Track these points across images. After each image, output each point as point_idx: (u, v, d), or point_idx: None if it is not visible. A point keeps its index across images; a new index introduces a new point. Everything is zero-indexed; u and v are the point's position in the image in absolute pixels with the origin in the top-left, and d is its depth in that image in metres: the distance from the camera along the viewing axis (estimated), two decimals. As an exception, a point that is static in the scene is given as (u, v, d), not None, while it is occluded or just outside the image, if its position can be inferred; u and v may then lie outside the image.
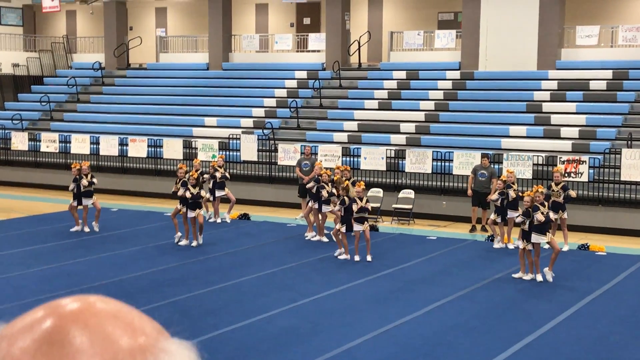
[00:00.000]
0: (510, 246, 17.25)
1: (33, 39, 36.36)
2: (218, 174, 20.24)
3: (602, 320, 12.25)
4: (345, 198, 16.16)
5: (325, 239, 18.13)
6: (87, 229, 19.02)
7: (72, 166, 19.41)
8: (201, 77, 30.17)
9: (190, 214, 17.33)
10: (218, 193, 20.32)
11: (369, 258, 16.15)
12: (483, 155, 19.91)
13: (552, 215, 15.13)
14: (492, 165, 19.85)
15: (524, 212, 14.57)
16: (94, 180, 19.13)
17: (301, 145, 22.62)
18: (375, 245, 16.75)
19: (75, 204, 18.96)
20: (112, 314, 1.13)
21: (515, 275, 14.75)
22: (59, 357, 1.08)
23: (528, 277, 14.64)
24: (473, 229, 19.42)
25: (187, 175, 17.61)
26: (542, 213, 14.37)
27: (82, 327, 1.09)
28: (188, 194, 17.24)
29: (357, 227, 16.14)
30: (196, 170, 18.64)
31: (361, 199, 16.22)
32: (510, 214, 17.21)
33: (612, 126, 21.93)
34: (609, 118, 22.23)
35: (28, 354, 1.08)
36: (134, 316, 1.15)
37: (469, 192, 19.44)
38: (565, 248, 17.00)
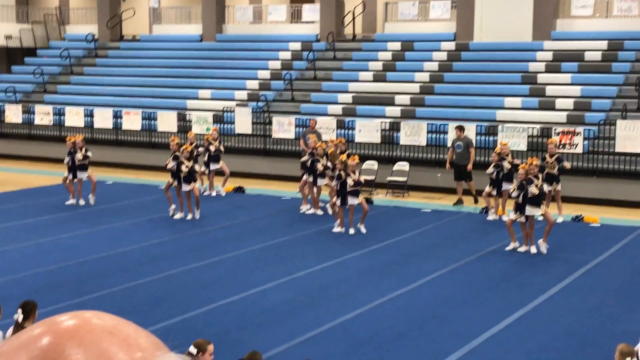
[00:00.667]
0: (505, 218, 17.29)
1: (26, 10, 36.05)
2: (212, 147, 20.21)
3: (596, 291, 12.33)
4: (342, 173, 16.17)
5: (320, 212, 18.15)
6: (82, 202, 19.02)
7: (67, 139, 19.38)
8: (195, 49, 29.99)
9: (185, 188, 17.33)
10: (212, 166, 20.31)
11: (362, 229, 16.19)
12: (457, 127, 19.91)
13: (546, 188, 15.18)
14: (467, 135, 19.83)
15: (518, 186, 14.59)
16: (89, 153, 19.11)
17: (305, 119, 22.56)
18: (369, 218, 16.78)
19: (70, 177, 18.96)
20: (108, 330, 1.13)
21: (508, 248, 14.80)
22: None
23: (522, 248, 14.70)
24: (459, 202, 19.40)
25: (181, 148, 17.59)
26: (536, 186, 14.40)
27: (77, 344, 1.10)
28: (183, 168, 17.22)
29: (351, 200, 16.17)
30: (191, 144, 18.61)
31: (355, 173, 16.23)
32: (505, 186, 17.25)
33: (606, 97, 21.90)
34: (603, 89, 22.19)
35: None
36: (130, 331, 1.15)
37: (447, 165, 19.54)
38: (560, 220, 17.05)
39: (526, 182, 14.45)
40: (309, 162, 18.19)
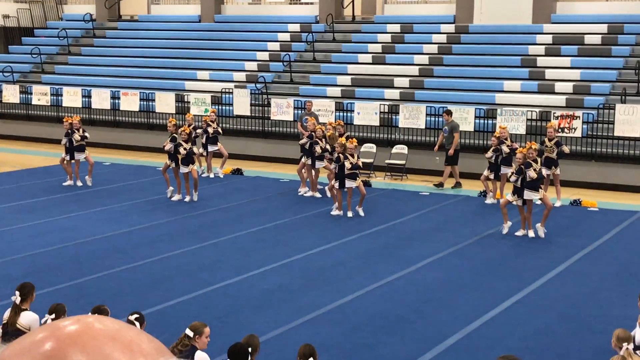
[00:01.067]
0: (557, 204, 17.26)
1: (23, -11, 35.84)
2: (210, 129, 20.17)
3: (593, 276, 12.35)
4: (340, 155, 16.14)
5: (318, 195, 18.14)
6: (79, 183, 19.00)
7: (64, 120, 19.33)
8: (193, 29, 29.86)
9: (184, 169, 17.31)
10: (210, 148, 20.27)
11: (361, 212, 16.21)
12: (445, 111, 19.86)
13: (544, 172, 15.17)
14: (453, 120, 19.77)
15: (516, 170, 14.58)
16: (86, 134, 19.07)
17: (304, 101, 22.50)
18: (368, 201, 16.78)
19: (67, 158, 18.93)
20: (110, 336, 1.13)
21: (504, 231, 14.78)
22: None
23: (520, 232, 14.71)
24: (457, 185, 19.38)
25: (179, 130, 17.54)
26: (535, 170, 14.39)
27: (80, 350, 1.10)
28: (182, 150, 17.18)
29: (349, 183, 16.16)
30: (189, 125, 18.57)
31: (353, 156, 16.22)
32: (504, 169, 17.25)
33: (606, 81, 21.85)
34: (603, 73, 22.13)
35: None
36: (132, 336, 1.14)
37: (435, 148, 19.53)
38: (558, 204, 17.05)
39: (524, 166, 14.43)
40: (308, 144, 18.15)
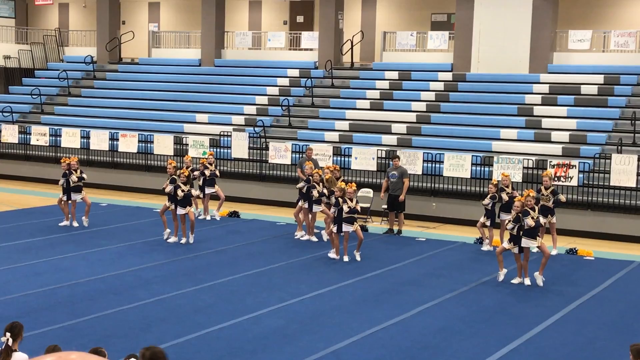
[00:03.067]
0: (554, 252, 17.25)
1: (25, 31, 36.20)
2: (207, 171, 20.22)
3: (589, 325, 12.30)
4: (339, 199, 16.19)
5: (314, 239, 18.12)
6: (75, 224, 18.97)
7: (62, 161, 19.39)
8: (193, 73, 30.10)
9: (181, 211, 17.31)
10: (208, 190, 20.29)
11: (357, 257, 16.20)
12: (393, 156, 19.96)
13: (541, 220, 15.18)
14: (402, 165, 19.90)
15: (514, 219, 14.59)
16: (84, 175, 19.11)
17: (302, 145, 22.55)
18: (364, 245, 16.77)
19: (64, 198, 18.96)
20: None
21: (500, 279, 14.77)
22: None
23: (516, 280, 14.68)
24: (389, 232, 19.31)
25: (177, 172, 17.58)
26: (532, 218, 14.41)
27: None
28: (180, 192, 17.20)
29: (346, 227, 16.17)
30: (187, 167, 18.63)
31: (352, 200, 16.26)
32: (503, 216, 17.26)
33: (602, 131, 22.00)
34: (599, 123, 22.29)
35: None
36: None
37: (382, 194, 19.53)
38: (554, 252, 17.05)
39: (522, 214, 14.45)
40: (305, 188, 18.19)
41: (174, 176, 17.51)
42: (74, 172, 18.89)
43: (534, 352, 10.89)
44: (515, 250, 14.54)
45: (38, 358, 1.05)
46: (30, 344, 8.23)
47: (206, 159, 20.58)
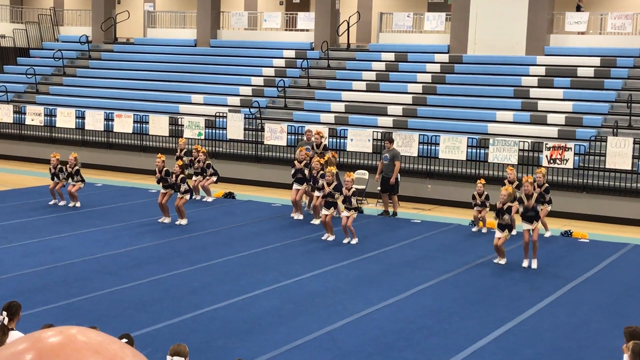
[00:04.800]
0: (547, 235, 17.23)
1: (20, 10, 35.98)
2: (196, 164, 20.15)
3: (583, 307, 12.34)
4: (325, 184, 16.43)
5: (316, 222, 18.12)
6: (62, 202, 19.05)
7: (52, 156, 19.28)
8: (189, 53, 29.96)
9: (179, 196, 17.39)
10: (195, 177, 20.23)
11: (354, 241, 16.26)
12: (387, 139, 19.93)
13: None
14: (395, 148, 19.85)
15: (499, 210, 14.73)
16: (79, 178, 18.95)
17: (298, 126, 22.45)
18: (359, 227, 16.78)
19: (55, 184, 19.14)
20: (94, 349, 1.10)
21: (501, 262, 14.79)
22: None
23: (525, 263, 14.64)
24: (384, 213, 19.34)
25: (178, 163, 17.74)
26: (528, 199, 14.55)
27: None
28: (185, 187, 17.24)
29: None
30: (181, 150, 18.63)
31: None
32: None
33: (598, 114, 21.98)
34: (595, 105, 22.27)
35: None
36: (116, 349, 1.11)
37: (376, 177, 19.53)
38: (547, 234, 17.08)
39: (518, 201, 14.67)
40: (295, 173, 18.45)
41: (182, 175, 17.40)
42: (64, 169, 18.86)
43: (528, 334, 10.93)
44: (509, 236, 14.75)
45: (37, 332, 1.03)
46: (25, 323, 8.24)
47: (198, 155, 20.19)
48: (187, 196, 17.42)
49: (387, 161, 19.26)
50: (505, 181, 17.16)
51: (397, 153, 19.46)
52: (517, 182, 17.14)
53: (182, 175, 17.35)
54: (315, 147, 19.20)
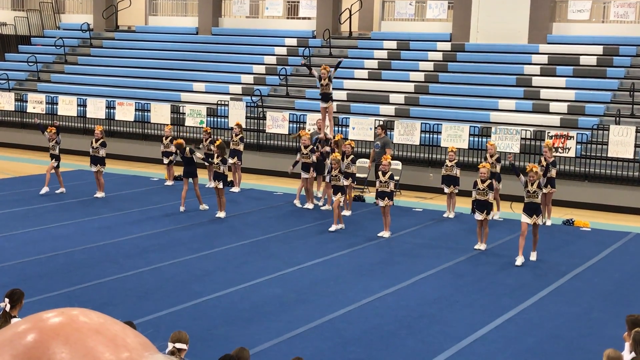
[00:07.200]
0: (496, 217, 17.29)
1: (21, -3, 35.88)
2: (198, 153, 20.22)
3: (585, 296, 12.34)
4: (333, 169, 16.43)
5: (323, 206, 18.16)
6: (58, 191, 19.08)
7: (48, 130, 19.31)
8: (190, 41, 29.90)
9: (211, 184, 17.68)
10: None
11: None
12: (379, 125, 19.91)
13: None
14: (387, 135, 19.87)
15: (488, 185, 14.82)
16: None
17: (302, 115, 22.47)
18: (361, 215, 16.79)
19: (54, 164, 19.02)
20: (95, 329, 1.09)
21: (518, 263, 14.09)
22: None
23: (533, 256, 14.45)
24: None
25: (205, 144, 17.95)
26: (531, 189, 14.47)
27: (63, 342, 1.06)
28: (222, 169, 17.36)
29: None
30: (166, 137, 18.95)
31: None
32: (495, 184, 16.96)
33: (601, 102, 21.93)
34: (598, 94, 22.22)
35: None
36: (117, 330, 1.11)
37: (369, 164, 19.52)
38: (548, 222, 17.06)
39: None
40: (299, 161, 18.53)
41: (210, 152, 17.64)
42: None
43: (530, 323, 10.94)
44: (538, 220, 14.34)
45: (38, 313, 1.03)
46: (27, 311, 8.24)
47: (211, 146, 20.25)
48: (221, 185, 17.37)
49: (379, 149, 19.22)
50: (487, 155, 17.31)
51: (388, 141, 19.42)
52: (497, 155, 17.32)
53: (189, 147, 17.60)
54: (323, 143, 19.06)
